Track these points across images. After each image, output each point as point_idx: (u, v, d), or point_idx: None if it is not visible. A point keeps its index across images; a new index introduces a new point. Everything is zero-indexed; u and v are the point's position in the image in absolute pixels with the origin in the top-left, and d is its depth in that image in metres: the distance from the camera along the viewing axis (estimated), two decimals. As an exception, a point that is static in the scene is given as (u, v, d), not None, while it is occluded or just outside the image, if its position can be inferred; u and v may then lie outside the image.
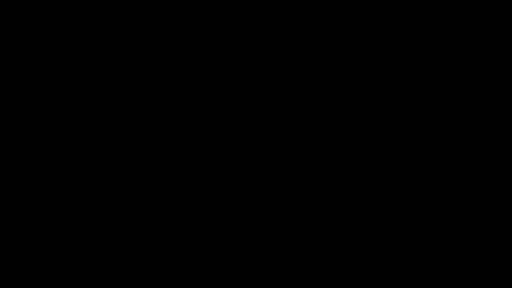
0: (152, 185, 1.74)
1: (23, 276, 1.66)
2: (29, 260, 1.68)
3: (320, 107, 1.85)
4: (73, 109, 1.80)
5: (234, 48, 1.85)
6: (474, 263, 1.70)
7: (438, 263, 1.70)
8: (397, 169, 1.80)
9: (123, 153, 1.81)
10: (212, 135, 1.71)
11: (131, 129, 1.81)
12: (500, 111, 1.81)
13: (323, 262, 1.65)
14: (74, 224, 1.74)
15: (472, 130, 1.81)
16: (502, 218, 1.74)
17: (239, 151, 1.72)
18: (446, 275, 1.68)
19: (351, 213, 1.75)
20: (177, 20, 1.85)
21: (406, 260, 1.70)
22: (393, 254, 1.69)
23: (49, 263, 1.68)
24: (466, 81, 1.84)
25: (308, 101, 1.85)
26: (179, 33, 1.84)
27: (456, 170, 1.79)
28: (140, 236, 1.71)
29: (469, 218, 1.75)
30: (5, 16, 1.87)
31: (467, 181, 1.78)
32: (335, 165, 1.80)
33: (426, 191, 1.77)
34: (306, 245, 1.66)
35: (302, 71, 1.87)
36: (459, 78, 1.84)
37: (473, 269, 1.69)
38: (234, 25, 1.86)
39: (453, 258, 1.70)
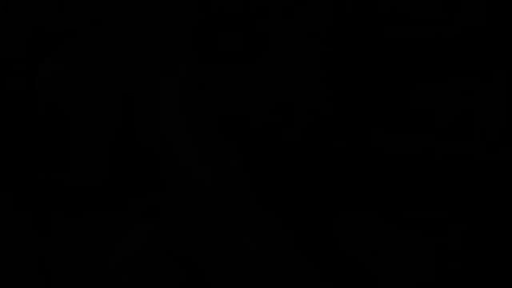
0: (158, 184, 1.74)
1: (22, 276, 1.66)
2: (27, 259, 1.68)
3: (320, 106, 1.85)
4: (73, 108, 1.80)
5: (234, 48, 1.85)
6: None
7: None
8: (397, 168, 1.80)
9: (122, 153, 1.81)
10: (216, 133, 1.71)
11: (131, 128, 1.81)
12: (501, 110, 1.81)
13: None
14: (74, 222, 1.74)
15: (472, 130, 1.81)
16: (501, 219, 1.74)
17: (243, 148, 1.72)
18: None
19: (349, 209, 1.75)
20: (177, 20, 1.85)
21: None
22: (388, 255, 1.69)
23: (48, 262, 1.68)
24: (466, 81, 1.84)
25: (308, 101, 1.85)
26: (179, 33, 1.84)
27: (457, 170, 1.79)
28: (140, 236, 1.71)
29: (467, 219, 1.75)
30: (5, 16, 1.87)
31: (469, 182, 1.78)
32: (335, 164, 1.80)
33: (433, 192, 1.78)
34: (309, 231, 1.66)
35: (302, 71, 1.87)
36: (459, 78, 1.84)
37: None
38: (234, 25, 1.86)
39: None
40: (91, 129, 1.79)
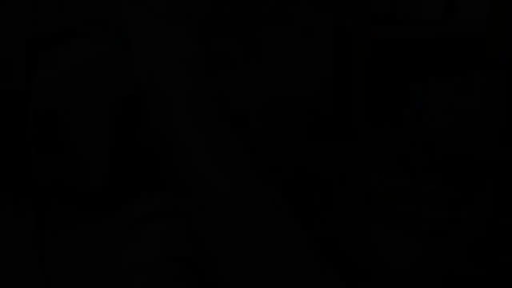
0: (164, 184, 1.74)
1: (22, 276, 1.66)
2: (27, 259, 1.68)
3: (320, 106, 1.85)
4: (72, 108, 1.80)
5: (229, 47, 1.85)
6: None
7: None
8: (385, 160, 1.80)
9: (123, 154, 1.81)
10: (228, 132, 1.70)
11: (132, 128, 1.81)
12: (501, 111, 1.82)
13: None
14: (76, 223, 1.75)
15: (471, 131, 1.81)
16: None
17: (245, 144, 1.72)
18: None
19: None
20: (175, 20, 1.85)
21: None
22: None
23: (48, 262, 1.68)
24: (466, 81, 1.84)
25: (308, 101, 1.85)
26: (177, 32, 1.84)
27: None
28: (139, 238, 1.71)
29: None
30: (5, 16, 1.87)
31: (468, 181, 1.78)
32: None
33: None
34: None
35: (296, 70, 1.87)
36: (460, 78, 1.85)
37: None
38: (229, 25, 1.87)
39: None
40: (89, 131, 1.79)
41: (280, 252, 1.43)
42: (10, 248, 1.70)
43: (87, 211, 1.77)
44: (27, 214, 1.76)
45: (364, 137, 1.85)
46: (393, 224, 1.73)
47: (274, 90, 1.85)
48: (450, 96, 1.83)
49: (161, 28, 1.77)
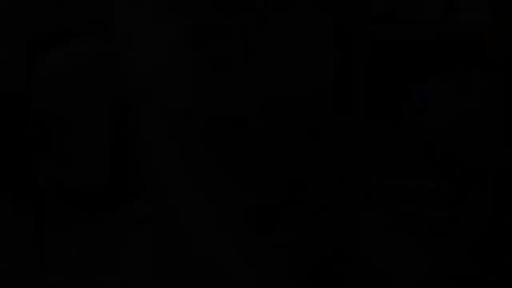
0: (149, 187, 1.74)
1: (21, 276, 1.66)
2: (27, 259, 1.69)
3: (321, 106, 1.85)
4: (72, 109, 1.80)
5: (229, 47, 1.86)
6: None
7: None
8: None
9: (122, 154, 1.81)
10: (210, 134, 1.71)
11: (132, 128, 1.81)
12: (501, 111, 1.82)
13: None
14: (75, 223, 1.75)
15: (472, 130, 1.81)
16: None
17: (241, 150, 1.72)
18: None
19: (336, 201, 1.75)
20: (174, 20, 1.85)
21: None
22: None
23: (48, 262, 1.68)
24: (466, 81, 1.84)
25: (308, 101, 1.85)
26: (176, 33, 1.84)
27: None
28: (139, 238, 1.71)
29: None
30: (5, 16, 1.87)
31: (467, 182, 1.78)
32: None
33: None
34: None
35: (296, 70, 1.87)
36: (460, 78, 1.85)
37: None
38: (229, 25, 1.87)
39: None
40: (89, 131, 1.79)
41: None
42: (10, 248, 1.70)
43: (87, 211, 1.77)
44: (27, 214, 1.76)
45: (364, 137, 1.85)
46: (393, 224, 1.72)
47: (274, 90, 1.85)
48: (450, 96, 1.83)
49: (161, 29, 1.77)
